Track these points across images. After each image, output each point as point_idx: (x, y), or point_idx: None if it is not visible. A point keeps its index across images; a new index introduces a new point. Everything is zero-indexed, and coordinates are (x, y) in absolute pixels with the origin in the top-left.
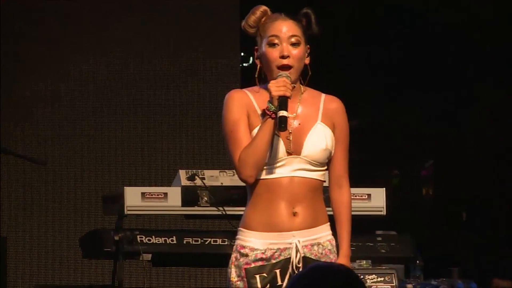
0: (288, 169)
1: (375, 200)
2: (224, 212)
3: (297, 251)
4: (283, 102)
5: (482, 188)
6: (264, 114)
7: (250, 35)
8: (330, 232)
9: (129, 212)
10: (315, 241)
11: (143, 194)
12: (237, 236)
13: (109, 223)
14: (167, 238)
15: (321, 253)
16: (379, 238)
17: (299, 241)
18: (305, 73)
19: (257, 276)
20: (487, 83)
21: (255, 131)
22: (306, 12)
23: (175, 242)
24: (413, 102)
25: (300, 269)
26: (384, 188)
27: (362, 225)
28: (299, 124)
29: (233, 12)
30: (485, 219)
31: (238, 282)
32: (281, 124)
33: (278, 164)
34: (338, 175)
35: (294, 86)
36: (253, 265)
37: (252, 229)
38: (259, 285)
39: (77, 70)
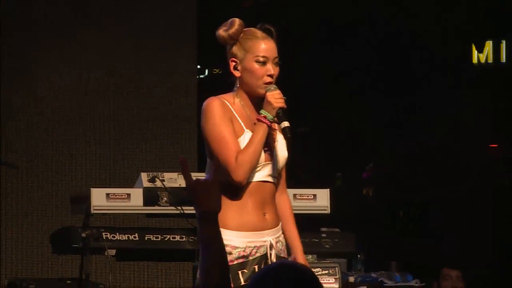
0: (262, 174)
1: (320, 199)
2: (182, 211)
3: (271, 247)
4: (284, 113)
5: (418, 190)
6: (259, 121)
7: (223, 44)
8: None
9: (95, 211)
10: (278, 238)
11: (108, 194)
12: None
13: (76, 221)
14: (130, 235)
15: (281, 249)
16: (324, 235)
17: (272, 239)
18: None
19: (240, 272)
20: (427, 92)
21: (244, 137)
22: (273, 30)
23: (137, 238)
24: (357, 109)
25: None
26: (328, 189)
27: (308, 222)
28: (269, 133)
29: (191, 25)
30: (421, 218)
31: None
32: (287, 134)
33: (256, 169)
34: (284, 179)
35: (285, 98)
36: (235, 262)
37: (231, 228)
38: (242, 280)
39: (43, 79)
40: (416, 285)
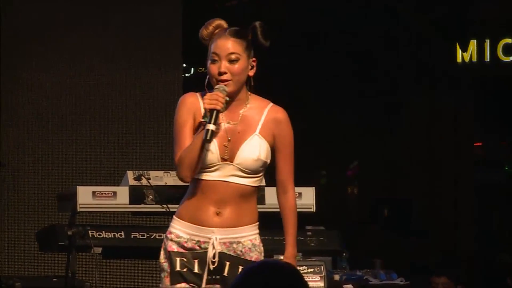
0: (221, 173)
1: (305, 198)
2: (168, 209)
3: (213, 247)
4: (212, 115)
5: (402, 188)
6: (200, 123)
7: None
8: (255, 232)
9: (81, 209)
10: (235, 239)
11: (94, 193)
12: (170, 224)
13: (63, 219)
14: (116, 233)
15: (241, 251)
16: (309, 233)
17: (216, 238)
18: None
19: (178, 259)
20: (411, 93)
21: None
22: (253, 26)
23: (123, 236)
24: (342, 109)
25: (215, 263)
26: (313, 187)
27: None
28: (239, 133)
29: (175, 25)
30: (404, 216)
31: (165, 264)
32: (206, 137)
33: (212, 169)
34: (282, 180)
35: (228, 100)
36: (176, 250)
37: (181, 219)
38: (178, 267)
39: (28, 78)
40: (401, 283)
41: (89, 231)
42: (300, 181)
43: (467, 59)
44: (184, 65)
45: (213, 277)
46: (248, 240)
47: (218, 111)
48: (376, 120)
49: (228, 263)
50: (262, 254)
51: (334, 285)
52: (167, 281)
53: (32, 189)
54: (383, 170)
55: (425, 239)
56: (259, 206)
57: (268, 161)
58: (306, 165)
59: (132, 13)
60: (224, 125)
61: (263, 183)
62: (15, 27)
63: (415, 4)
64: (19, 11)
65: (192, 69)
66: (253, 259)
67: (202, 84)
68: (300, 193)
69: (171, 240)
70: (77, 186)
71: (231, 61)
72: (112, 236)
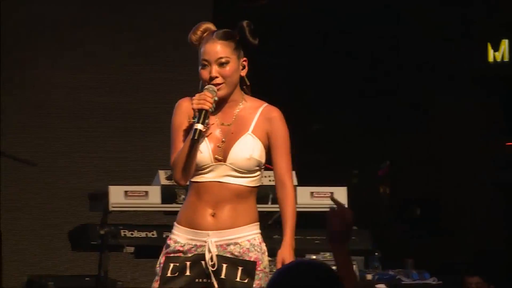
0: (214, 174)
1: (338, 197)
2: None
3: (209, 250)
4: (200, 115)
5: (433, 188)
6: (191, 125)
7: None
8: (253, 232)
9: (113, 209)
10: (231, 241)
11: (126, 192)
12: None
13: (95, 219)
14: (148, 232)
15: (239, 252)
16: None
17: (211, 241)
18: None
19: (171, 265)
20: (441, 92)
21: None
22: (241, 26)
23: (155, 236)
24: (373, 106)
25: (214, 266)
26: (346, 187)
27: (325, 221)
28: (232, 133)
29: (205, 16)
30: (435, 215)
31: (157, 268)
32: (194, 136)
33: (206, 170)
34: (280, 175)
35: (217, 100)
36: (171, 254)
37: (180, 224)
38: (169, 272)
39: (56, 76)
40: (434, 282)
41: (121, 231)
42: (332, 180)
43: (498, 58)
44: None
45: (209, 280)
46: (245, 240)
47: (207, 111)
48: (406, 120)
49: (225, 265)
50: (265, 253)
51: (366, 285)
52: (155, 284)
53: (64, 189)
54: (415, 170)
55: (456, 238)
56: None
57: (263, 160)
58: (338, 164)
59: (162, 13)
60: (217, 126)
61: (259, 183)
62: (42, 23)
63: (445, 2)
64: (34, 5)
65: None
66: (252, 259)
67: None
68: (332, 193)
69: (169, 246)
70: (109, 186)
71: (221, 65)
72: (144, 236)
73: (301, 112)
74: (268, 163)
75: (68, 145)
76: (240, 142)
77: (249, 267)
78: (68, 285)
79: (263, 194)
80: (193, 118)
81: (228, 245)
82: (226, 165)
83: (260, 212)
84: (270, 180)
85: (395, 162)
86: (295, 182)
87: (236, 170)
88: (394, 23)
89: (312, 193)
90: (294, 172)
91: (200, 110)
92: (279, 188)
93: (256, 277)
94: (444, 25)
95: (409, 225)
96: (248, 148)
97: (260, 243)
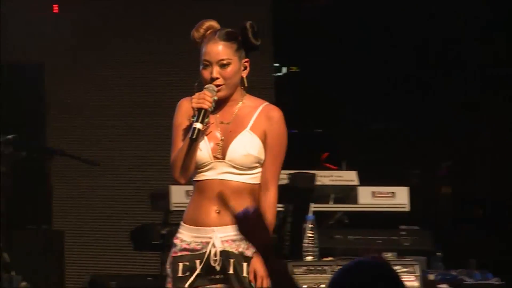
0: (215, 172)
1: (399, 197)
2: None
3: (214, 246)
4: (199, 114)
5: (495, 188)
6: (190, 124)
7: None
8: None
9: (174, 208)
10: (236, 236)
11: (187, 192)
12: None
13: (156, 218)
14: None
15: (244, 248)
16: (403, 233)
17: (217, 236)
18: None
19: (180, 264)
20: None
21: None
22: (243, 27)
23: None
24: (435, 105)
25: (218, 261)
26: (407, 187)
27: (387, 220)
28: (231, 131)
29: (266, 23)
30: (498, 216)
31: (168, 269)
32: (192, 135)
33: (206, 168)
34: (265, 179)
35: (216, 99)
36: (178, 254)
37: (185, 222)
38: (180, 272)
39: (114, 76)
40: (496, 283)
41: None
42: (393, 180)
43: None
44: (276, 64)
45: (218, 276)
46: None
47: (206, 110)
48: (468, 120)
49: (232, 261)
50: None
51: (429, 285)
52: (169, 286)
53: (125, 189)
54: (477, 170)
55: None
56: (352, 205)
57: (262, 157)
58: (399, 164)
59: (222, 13)
60: (217, 125)
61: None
62: (85, 22)
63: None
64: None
65: (284, 68)
66: (248, 255)
67: (294, 83)
68: (393, 193)
69: (176, 245)
70: (170, 185)
71: (222, 66)
72: None
73: (361, 112)
74: (327, 163)
75: (129, 144)
76: (238, 139)
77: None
78: (130, 285)
79: (324, 193)
80: (193, 117)
81: (234, 241)
82: (225, 162)
83: (321, 212)
84: (331, 180)
85: (457, 162)
86: (357, 182)
87: (235, 167)
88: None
89: (373, 192)
90: (355, 172)
91: (199, 109)
92: (262, 191)
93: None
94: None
95: (472, 225)
96: (245, 145)
97: None
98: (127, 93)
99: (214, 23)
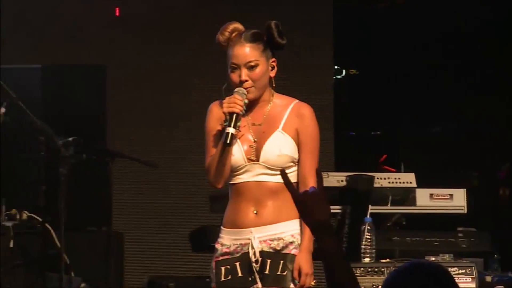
0: (250, 174)
1: (457, 199)
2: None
3: (252, 247)
4: (231, 119)
5: None
6: (223, 128)
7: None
8: (295, 227)
9: None
10: (275, 235)
11: None
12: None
13: (215, 220)
14: None
15: (282, 246)
16: (460, 234)
17: (254, 237)
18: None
19: (222, 268)
20: None
21: None
22: (268, 27)
23: None
24: (491, 108)
25: (258, 262)
26: (464, 189)
27: (445, 222)
28: (263, 132)
29: (327, 26)
30: None
31: (211, 274)
32: (226, 140)
33: (241, 171)
34: (303, 175)
35: (247, 102)
36: (220, 258)
37: (224, 226)
38: (222, 276)
39: (172, 79)
40: None
41: None
42: (451, 182)
43: None
44: (336, 67)
45: (257, 276)
46: (289, 235)
47: (238, 114)
48: None
49: (269, 261)
50: None
51: (485, 286)
52: None
53: (184, 191)
54: None
55: None
56: (410, 207)
57: (296, 156)
58: (457, 166)
59: (283, 15)
60: (249, 127)
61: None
62: (147, 25)
63: None
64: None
65: (344, 71)
66: (292, 253)
67: (354, 86)
68: (451, 195)
69: (217, 250)
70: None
71: (251, 68)
72: None
73: (420, 114)
74: (386, 165)
75: (187, 146)
76: (271, 140)
77: (289, 260)
78: (189, 286)
79: (383, 195)
80: (224, 121)
81: (272, 240)
82: (259, 164)
83: (379, 214)
84: (389, 182)
85: None
86: (415, 184)
87: (269, 168)
88: None
89: (431, 194)
90: (413, 174)
91: (231, 114)
92: (301, 188)
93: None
94: None
95: None
96: (278, 145)
97: (300, 238)
98: (189, 96)
99: (238, 25)
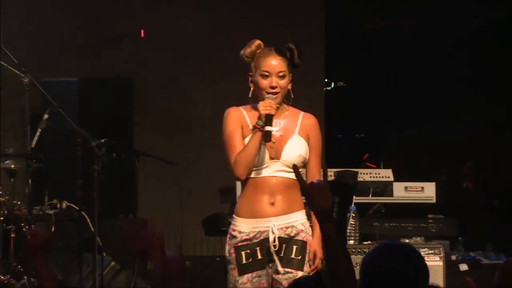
0: (270, 170)
1: (428, 191)
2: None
3: (273, 232)
4: (268, 119)
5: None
6: (254, 127)
7: (245, 63)
8: (303, 217)
9: None
10: (289, 224)
11: None
12: (231, 222)
13: (224, 209)
14: None
15: (294, 233)
16: (430, 221)
17: (274, 225)
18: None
19: (243, 253)
20: None
21: (247, 139)
22: (290, 48)
23: None
24: (457, 114)
25: (276, 246)
26: (434, 182)
27: (417, 210)
28: (281, 135)
29: (318, 39)
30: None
31: (230, 257)
32: (266, 137)
33: (263, 166)
34: (312, 174)
35: (278, 107)
36: (239, 244)
37: (241, 216)
38: (244, 260)
39: (186, 82)
40: None
41: None
42: (423, 176)
43: None
44: (326, 80)
45: (274, 257)
46: (299, 223)
47: (272, 116)
48: (491, 126)
49: (284, 245)
50: (311, 234)
51: (451, 264)
52: (234, 272)
53: (199, 184)
54: (495, 167)
55: None
56: (388, 198)
57: (307, 156)
58: (428, 163)
59: (276, 31)
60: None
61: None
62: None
63: None
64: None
65: (332, 83)
66: (303, 239)
67: (342, 97)
68: (423, 187)
69: (235, 237)
70: (236, 181)
71: (280, 77)
72: None
73: (398, 119)
74: (368, 162)
75: (206, 142)
76: (290, 142)
77: (302, 246)
78: (202, 264)
79: (365, 188)
80: (258, 122)
81: (287, 227)
82: (279, 162)
83: (362, 203)
84: (370, 177)
85: (479, 161)
86: (391, 178)
87: (287, 166)
88: None
89: (406, 187)
90: (391, 170)
91: (267, 115)
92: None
93: (306, 255)
94: None
95: (491, 214)
96: (297, 147)
97: (308, 227)
98: (204, 104)
99: (260, 42)
